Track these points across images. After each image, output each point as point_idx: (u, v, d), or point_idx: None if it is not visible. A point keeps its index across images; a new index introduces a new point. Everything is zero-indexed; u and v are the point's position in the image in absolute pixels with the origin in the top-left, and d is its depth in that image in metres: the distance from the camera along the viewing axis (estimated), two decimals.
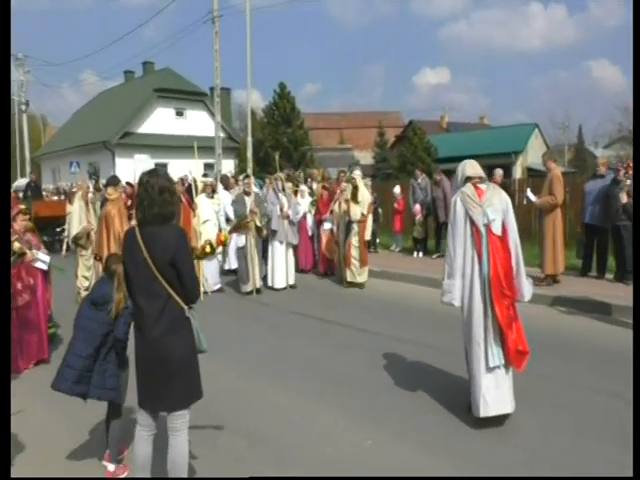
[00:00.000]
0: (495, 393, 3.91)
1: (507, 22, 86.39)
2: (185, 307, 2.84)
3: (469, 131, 35.18)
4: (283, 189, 9.35)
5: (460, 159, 4.43)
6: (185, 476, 2.88)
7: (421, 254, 11.31)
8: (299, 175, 12.66)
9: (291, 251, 9.29)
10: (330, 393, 4.64)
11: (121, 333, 3.16)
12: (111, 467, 3.37)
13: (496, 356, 3.91)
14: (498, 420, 3.93)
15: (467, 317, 4.04)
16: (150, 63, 31.44)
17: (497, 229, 3.97)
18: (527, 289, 4.06)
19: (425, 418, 4.13)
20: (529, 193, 8.33)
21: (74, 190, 14.46)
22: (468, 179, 4.14)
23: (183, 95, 27.46)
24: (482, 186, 4.12)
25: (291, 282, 9.16)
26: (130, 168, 21.87)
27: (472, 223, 3.98)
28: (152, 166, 22.44)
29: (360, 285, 9.07)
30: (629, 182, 7.32)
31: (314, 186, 11.51)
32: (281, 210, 8.99)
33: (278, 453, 3.65)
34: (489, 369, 3.92)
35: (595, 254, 8.45)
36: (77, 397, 3.36)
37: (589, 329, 6.33)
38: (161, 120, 26.36)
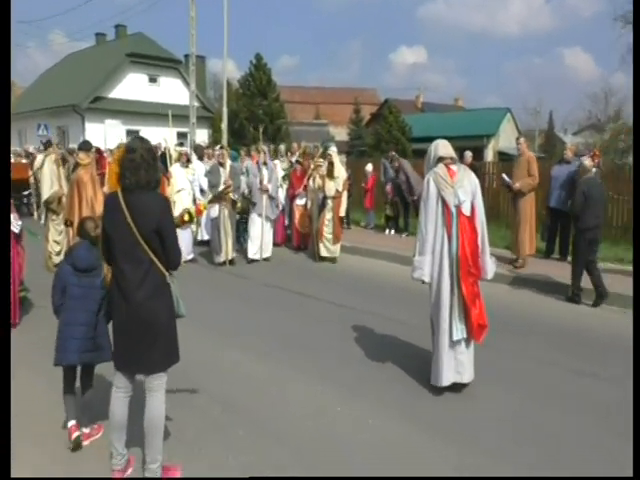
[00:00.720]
0: (455, 364, 4.16)
1: (486, 4, 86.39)
2: (166, 273, 2.90)
3: (444, 112, 35.41)
4: (265, 163, 9.35)
5: (433, 139, 4.53)
6: (161, 434, 2.96)
7: (393, 232, 11.52)
8: (278, 149, 12.58)
9: (269, 225, 9.36)
10: (303, 364, 4.79)
11: None
12: (87, 429, 3.43)
13: (459, 330, 4.13)
14: (455, 388, 4.18)
15: (435, 293, 4.22)
16: (123, 26, 30.43)
17: (467, 210, 4.14)
18: (490, 267, 4.27)
19: (393, 387, 4.33)
20: (505, 176, 8.38)
21: (34, 153, 14.19)
22: (440, 159, 4.26)
23: (157, 61, 26.71)
24: (454, 167, 4.25)
25: (265, 255, 9.24)
26: (101, 133, 21.34)
27: (444, 203, 4.12)
28: (123, 132, 22.03)
29: (333, 260, 9.23)
30: (594, 170, 7.61)
31: (293, 160, 11.47)
32: (260, 183, 9.02)
33: (250, 418, 3.79)
34: (452, 342, 4.14)
35: (558, 237, 8.78)
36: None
37: (549, 309, 6.65)
38: (133, 86, 25.64)
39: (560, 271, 7.62)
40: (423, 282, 4.24)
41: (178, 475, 3.03)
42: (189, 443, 3.43)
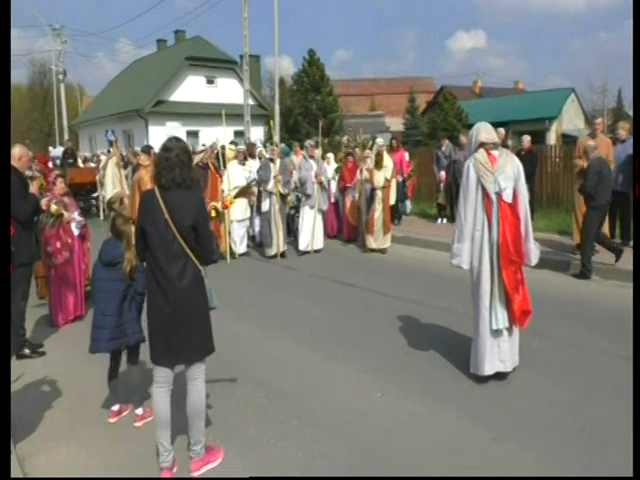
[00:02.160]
0: (497, 353, 4.10)
1: None
2: (201, 267, 3.02)
3: (502, 96, 34.15)
4: (312, 156, 9.54)
5: (492, 125, 4.39)
6: (203, 418, 3.12)
7: (445, 220, 11.35)
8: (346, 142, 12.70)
9: (320, 217, 9.53)
10: (346, 351, 4.88)
11: (141, 287, 3.46)
12: (139, 410, 3.69)
13: (500, 319, 4.07)
14: (498, 377, 4.13)
15: (475, 281, 4.18)
16: (182, 31, 31.52)
17: (508, 197, 4.05)
18: (534, 253, 4.17)
19: (437, 375, 4.34)
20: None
21: (101, 157, 15.03)
22: (482, 145, 4.17)
23: (214, 63, 27.50)
24: (495, 152, 4.15)
25: (317, 247, 9.41)
26: (162, 136, 22.29)
27: (484, 190, 4.05)
28: (183, 134, 22.91)
29: (383, 250, 9.25)
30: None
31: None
32: (316, 176, 9.24)
33: (293, 403, 3.93)
34: (493, 331, 4.08)
35: (618, 221, 8.37)
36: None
37: (613, 296, 6.38)
38: (192, 88, 26.55)
39: (624, 256, 7.29)
40: (461, 268, 4.21)
41: (221, 455, 3.20)
42: (232, 427, 3.61)
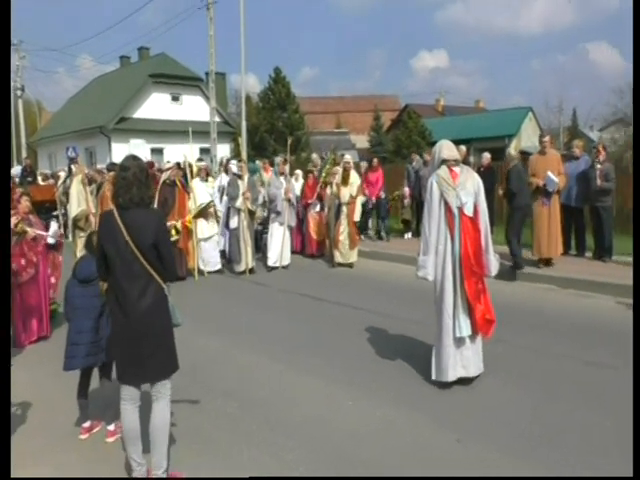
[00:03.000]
0: (460, 359, 4.28)
1: (505, 5, 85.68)
2: (164, 285, 3.03)
3: (464, 115, 35.25)
4: (282, 173, 9.67)
5: (455, 143, 4.62)
6: (166, 440, 3.07)
7: (410, 235, 11.61)
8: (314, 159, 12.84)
9: (288, 233, 9.61)
10: (316, 362, 4.96)
11: None
12: (111, 426, 3.67)
13: (463, 327, 4.24)
14: (462, 382, 4.29)
15: (439, 291, 4.35)
16: (146, 48, 31.37)
17: (469, 211, 4.26)
18: (494, 265, 4.36)
19: (402, 382, 4.47)
20: (552, 176, 7.79)
21: (59, 174, 14.86)
22: (444, 162, 4.38)
23: (178, 80, 27.44)
24: (456, 169, 4.36)
25: (285, 263, 9.48)
26: (126, 153, 22.02)
27: (446, 204, 4.25)
28: (147, 151, 22.70)
29: (350, 265, 9.39)
30: (599, 166, 7.77)
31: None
32: (286, 193, 9.35)
33: (266, 414, 3.97)
34: (456, 339, 4.26)
35: (574, 234, 8.76)
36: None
37: (573, 305, 6.67)
38: (157, 105, 26.40)
39: (580, 267, 7.63)
40: (427, 280, 4.37)
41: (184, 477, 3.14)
42: (204, 438, 3.63)
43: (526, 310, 6.36)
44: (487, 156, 10.38)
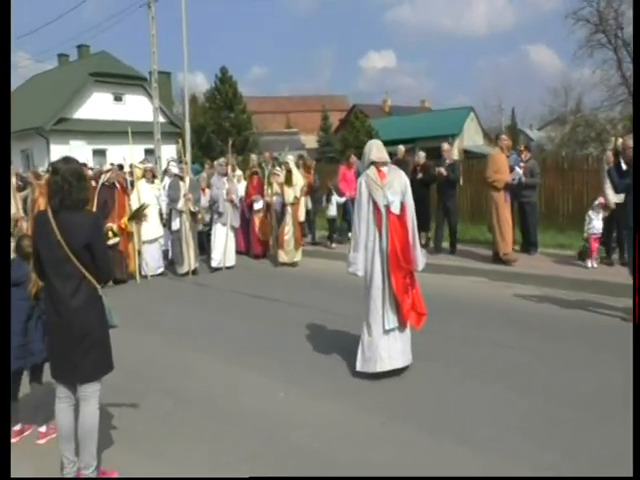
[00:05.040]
0: (389, 351, 4.46)
1: (451, 7, 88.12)
2: (98, 286, 3.08)
3: (410, 115, 36.13)
4: (225, 174, 9.68)
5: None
6: (94, 440, 3.11)
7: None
8: (251, 159, 12.81)
9: (232, 234, 9.66)
10: (255, 359, 5.07)
11: None
12: (42, 428, 3.68)
13: (391, 320, 4.45)
14: (392, 373, 4.48)
15: (368, 286, 4.55)
16: (86, 46, 30.38)
17: (395, 209, 4.46)
18: (421, 260, 4.57)
19: (334, 374, 4.65)
20: (519, 170, 8.35)
21: None
22: (373, 162, 4.56)
23: (121, 79, 26.78)
24: (384, 169, 4.56)
25: (229, 264, 9.52)
26: (66, 155, 21.35)
27: (374, 203, 4.44)
28: (89, 152, 22.07)
29: (293, 264, 9.55)
30: (522, 164, 8.28)
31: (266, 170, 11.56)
32: (227, 194, 9.37)
33: (201, 409, 4.07)
34: (385, 331, 4.45)
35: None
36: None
37: (501, 295, 7.07)
38: (98, 105, 25.67)
39: (538, 262, 8.08)
40: (357, 275, 4.56)
41: (115, 476, 3.21)
42: (139, 435, 3.70)
43: (458, 301, 6.69)
44: (422, 155, 10.73)
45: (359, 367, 4.54)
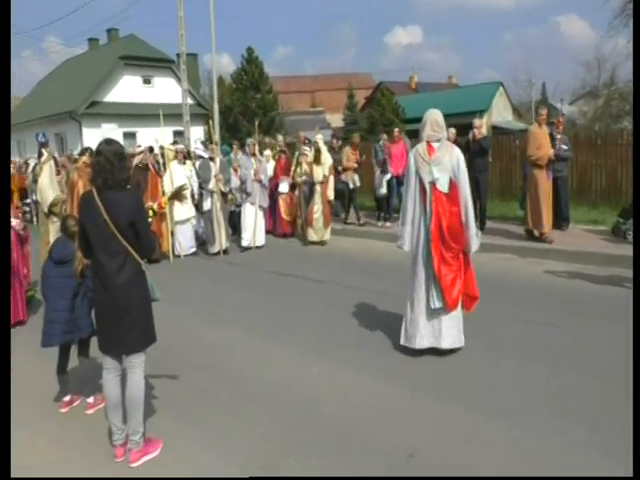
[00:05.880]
0: (431, 330, 4.41)
1: None
2: (141, 262, 3.23)
3: (437, 91, 35.45)
4: (254, 154, 9.78)
5: None
6: (141, 408, 3.27)
7: (382, 213, 11.84)
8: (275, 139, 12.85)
9: (261, 214, 9.79)
10: (287, 334, 5.21)
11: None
12: (90, 399, 3.89)
13: (435, 299, 4.34)
14: (434, 352, 4.45)
15: (413, 262, 4.53)
16: (115, 30, 30.72)
17: (442, 186, 4.29)
18: (475, 242, 4.39)
19: (369, 350, 4.73)
20: (564, 145, 8.31)
21: (29, 163, 14.73)
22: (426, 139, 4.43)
23: (150, 62, 27.00)
24: (435, 144, 4.38)
25: (259, 243, 9.68)
26: (98, 138, 21.78)
27: (420, 179, 4.38)
28: (120, 135, 22.46)
29: (322, 242, 9.65)
30: (559, 136, 8.05)
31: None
32: (255, 174, 9.48)
33: (236, 384, 4.23)
34: (430, 310, 4.39)
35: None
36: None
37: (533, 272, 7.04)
38: (128, 88, 26.00)
39: (570, 238, 8.02)
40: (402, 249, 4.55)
41: (160, 446, 3.36)
42: (178, 406, 3.88)
43: (487, 278, 6.67)
44: (452, 131, 10.54)
45: (402, 341, 4.57)
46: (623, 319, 5.12)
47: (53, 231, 8.20)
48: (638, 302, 3.98)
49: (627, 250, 7.11)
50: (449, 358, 4.46)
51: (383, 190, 10.51)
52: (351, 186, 10.86)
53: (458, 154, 4.40)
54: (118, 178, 3.13)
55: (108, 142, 3.24)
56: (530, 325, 5.09)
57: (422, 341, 4.45)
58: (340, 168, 10.92)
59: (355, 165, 10.87)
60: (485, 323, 5.14)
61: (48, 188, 8.33)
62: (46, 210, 8.08)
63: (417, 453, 3.16)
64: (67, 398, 3.93)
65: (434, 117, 4.47)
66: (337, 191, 10.62)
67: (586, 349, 4.50)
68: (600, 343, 4.61)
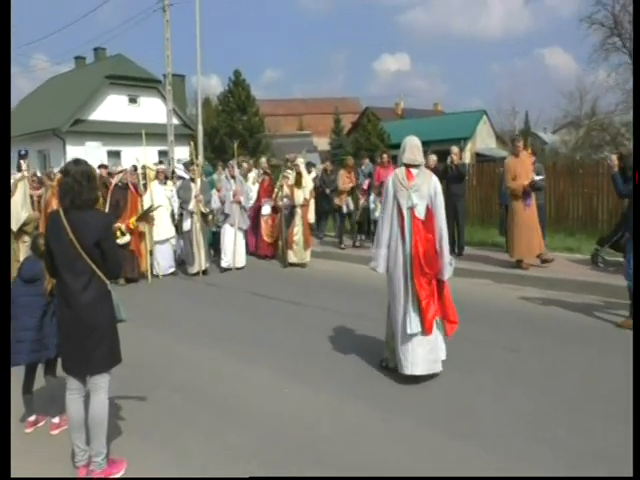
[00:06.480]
0: (410, 356, 4.37)
1: (465, 10, 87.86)
2: (107, 282, 3.22)
3: (422, 117, 36.09)
4: (233, 176, 9.80)
5: None
6: (104, 429, 3.24)
7: (364, 237, 11.91)
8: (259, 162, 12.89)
9: (241, 235, 9.78)
10: (264, 358, 5.15)
11: None
12: (56, 419, 3.82)
13: (413, 324, 4.32)
14: (414, 379, 4.42)
15: (390, 287, 4.53)
16: (102, 49, 30.89)
17: (420, 213, 4.35)
18: (448, 269, 4.39)
19: (344, 371, 4.72)
20: (537, 178, 8.09)
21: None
22: (404, 164, 4.49)
23: (136, 82, 27.16)
24: (414, 171, 4.45)
25: (239, 265, 9.65)
26: (81, 156, 21.68)
27: (398, 204, 4.42)
28: (104, 154, 22.41)
29: (303, 265, 9.65)
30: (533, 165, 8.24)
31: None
32: (234, 195, 9.50)
33: (209, 404, 4.18)
34: (407, 335, 4.36)
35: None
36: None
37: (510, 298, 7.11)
38: (113, 107, 26.07)
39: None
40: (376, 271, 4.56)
41: (123, 467, 3.30)
42: (148, 427, 3.82)
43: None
44: (433, 158, 10.79)
45: (393, 366, 4.54)
46: (595, 344, 5.21)
47: (23, 250, 8.11)
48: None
49: (602, 278, 7.26)
50: (424, 382, 4.45)
51: (377, 213, 10.62)
52: (345, 210, 10.89)
53: (435, 182, 4.47)
54: (86, 198, 3.13)
55: (76, 162, 3.24)
56: (500, 349, 5.12)
57: (400, 367, 4.43)
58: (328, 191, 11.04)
59: (349, 187, 10.93)
60: (459, 348, 5.16)
61: (21, 207, 8.27)
62: (15, 229, 7.99)
63: (385, 473, 3.15)
64: (32, 418, 3.85)
65: (414, 142, 4.56)
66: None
67: (554, 373, 4.55)
68: (569, 368, 4.66)
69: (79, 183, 3.11)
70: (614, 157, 5.79)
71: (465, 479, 3.15)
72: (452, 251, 9.04)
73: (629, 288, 5.60)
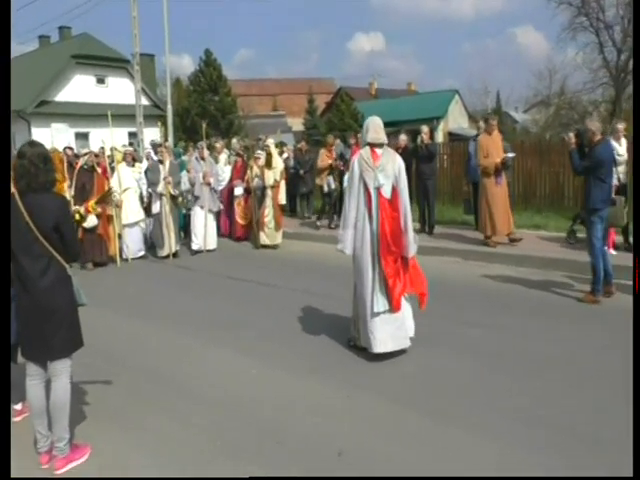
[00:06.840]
0: (379, 334, 4.43)
1: None
2: (66, 265, 3.16)
3: (396, 97, 36.07)
4: (203, 157, 9.68)
5: (386, 125, 4.68)
6: (66, 414, 3.21)
7: (336, 217, 11.93)
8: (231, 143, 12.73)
9: (211, 217, 9.70)
10: (231, 337, 5.18)
11: None
12: (18, 406, 3.77)
13: (380, 303, 4.39)
14: (384, 355, 4.48)
15: (357, 267, 4.56)
16: (67, 28, 29.86)
17: (386, 192, 4.40)
18: (412, 246, 4.49)
19: (312, 351, 4.76)
20: (509, 155, 8.25)
21: None
22: (369, 144, 4.51)
23: (104, 62, 26.37)
24: (379, 151, 4.48)
25: (210, 247, 9.58)
26: (48, 138, 21.10)
27: (364, 184, 4.43)
28: (72, 135, 21.82)
29: (275, 246, 9.64)
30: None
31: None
32: (204, 177, 9.38)
33: (175, 387, 4.18)
34: (374, 313, 4.43)
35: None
36: None
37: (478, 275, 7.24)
38: (81, 88, 25.31)
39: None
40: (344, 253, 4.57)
41: (87, 452, 3.28)
42: (113, 410, 3.82)
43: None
44: (403, 138, 10.82)
45: (362, 343, 4.57)
46: (557, 318, 5.36)
47: None
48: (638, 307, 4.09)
49: (569, 254, 7.42)
50: (392, 358, 4.52)
51: None
52: (325, 189, 10.79)
53: (400, 162, 4.52)
54: (42, 181, 3.06)
55: (32, 144, 3.16)
56: (464, 325, 5.23)
57: (368, 345, 4.48)
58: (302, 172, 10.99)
59: (328, 164, 10.86)
60: (426, 324, 5.25)
61: None
62: None
63: (347, 451, 3.20)
64: None
65: (376, 122, 4.59)
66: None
67: (515, 347, 4.67)
68: (532, 342, 4.79)
69: (35, 165, 3.04)
70: (572, 134, 5.89)
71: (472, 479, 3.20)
72: (423, 230, 9.21)
73: (591, 264, 5.76)
